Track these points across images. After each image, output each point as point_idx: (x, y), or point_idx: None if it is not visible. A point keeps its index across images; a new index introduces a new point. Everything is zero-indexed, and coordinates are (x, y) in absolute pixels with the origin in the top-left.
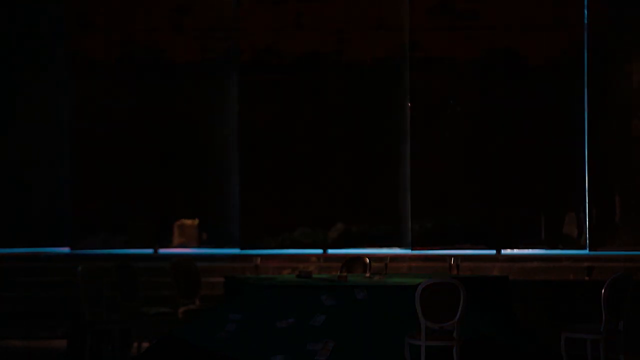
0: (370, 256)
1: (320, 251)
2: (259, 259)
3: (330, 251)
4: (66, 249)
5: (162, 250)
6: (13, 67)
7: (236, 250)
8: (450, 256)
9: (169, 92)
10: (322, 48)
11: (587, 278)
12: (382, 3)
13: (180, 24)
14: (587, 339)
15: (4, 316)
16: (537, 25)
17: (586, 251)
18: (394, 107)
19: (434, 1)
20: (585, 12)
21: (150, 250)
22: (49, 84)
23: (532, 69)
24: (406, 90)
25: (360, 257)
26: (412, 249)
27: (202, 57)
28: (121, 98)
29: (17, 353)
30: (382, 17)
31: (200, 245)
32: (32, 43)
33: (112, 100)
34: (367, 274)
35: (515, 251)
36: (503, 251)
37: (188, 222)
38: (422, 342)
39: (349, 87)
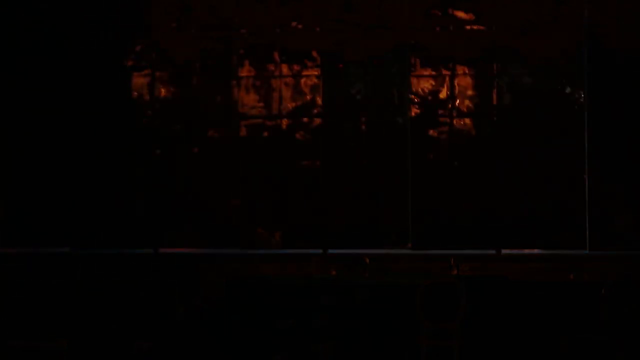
0: (370, 256)
1: (320, 251)
2: (259, 259)
3: (330, 251)
4: (66, 249)
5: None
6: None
7: (236, 250)
8: (450, 256)
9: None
10: (321, 47)
11: (586, 278)
12: (382, 3)
13: (180, 22)
14: (587, 339)
15: (5, 316)
16: (537, 25)
17: (586, 251)
18: (394, 107)
19: (434, 1)
20: (586, 12)
21: (150, 250)
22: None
23: (532, 69)
24: (406, 90)
25: (360, 257)
26: (412, 249)
27: (201, 56)
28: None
29: (18, 353)
30: (382, 17)
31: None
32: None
33: (113, 100)
34: (367, 274)
35: (515, 251)
36: (503, 251)
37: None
38: (422, 342)
39: (349, 87)
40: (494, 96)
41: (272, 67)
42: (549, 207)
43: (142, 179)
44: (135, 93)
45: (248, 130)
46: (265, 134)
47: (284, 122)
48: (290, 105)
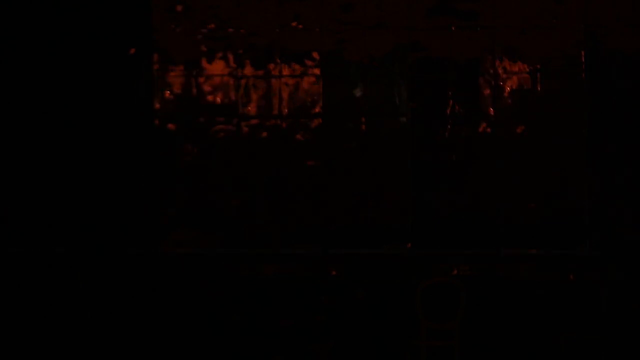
0: (370, 256)
1: (320, 251)
2: (259, 258)
3: (330, 251)
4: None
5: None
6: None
7: (236, 250)
8: (450, 256)
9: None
10: (321, 47)
11: (587, 278)
12: (382, 3)
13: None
14: (587, 339)
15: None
16: (537, 25)
17: (586, 251)
18: (394, 107)
19: (434, 1)
20: (586, 12)
21: (149, 251)
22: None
23: (532, 69)
24: (406, 90)
25: (360, 257)
26: (412, 249)
27: (201, 56)
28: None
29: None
30: (382, 17)
31: None
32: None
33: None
34: (367, 274)
35: (515, 251)
36: (503, 251)
37: None
38: (422, 342)
39: (349, 87)
40: (494, 96)
41: (272, 67)
42: (549, 207)
43: (141, 179)
44: (135, 93)
45: (248, 130)
46: (265, 134)
47: (284, 122)
48: (290, 105)
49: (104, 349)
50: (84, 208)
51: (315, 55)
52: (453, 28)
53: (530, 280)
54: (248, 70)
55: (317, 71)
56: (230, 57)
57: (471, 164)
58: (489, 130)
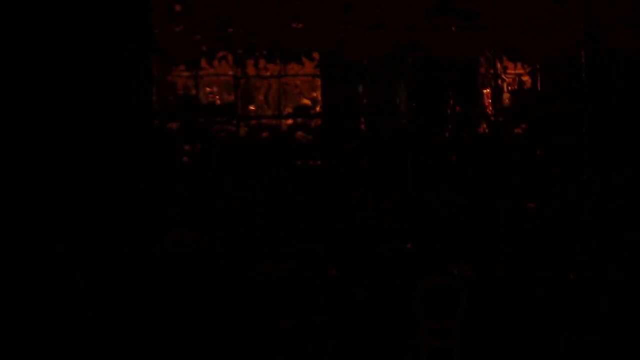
0: (370, 256)
1: (320, 251)
2: (258, 258)
3: (330, 251)
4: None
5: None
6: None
7: (235, 250)
8: (450, 256)
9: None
10: (321, 47)
11: (587, 278)
12: (382, 3)
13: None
14: (587, 339)
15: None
16: (537, 25)
17: (586, 251)
18: (394, 107)
19: (434, 1)
20: (586, 12)
21: (150, 250)
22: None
23: (532, 69)
24: (406, 90)
25: (360, 257)
26: (412, 249)
27: (200, 56)
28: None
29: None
30: (382, 17)
31: None
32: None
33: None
34: (367, 274)
35: (515, 251)
36: (503, 251)
37: None
38: (422, 342)
39: (349, 87)
40: (494, 96)
41: (272, 67)
42: (549, 207)
43: (141, 179)
44: (135, 93)
45: (248, 130)
46: (265, 134)
47: (284, 122)
48: (290, 105)
49: (104, 349)
50: (84, 208)
51: (315, 55)
52: (453, 28)
53: (530, 280)
54: (248, 70)
55: (317, 71)
56: (230, 57)
57: (471, 164)
58: (488, 130)
